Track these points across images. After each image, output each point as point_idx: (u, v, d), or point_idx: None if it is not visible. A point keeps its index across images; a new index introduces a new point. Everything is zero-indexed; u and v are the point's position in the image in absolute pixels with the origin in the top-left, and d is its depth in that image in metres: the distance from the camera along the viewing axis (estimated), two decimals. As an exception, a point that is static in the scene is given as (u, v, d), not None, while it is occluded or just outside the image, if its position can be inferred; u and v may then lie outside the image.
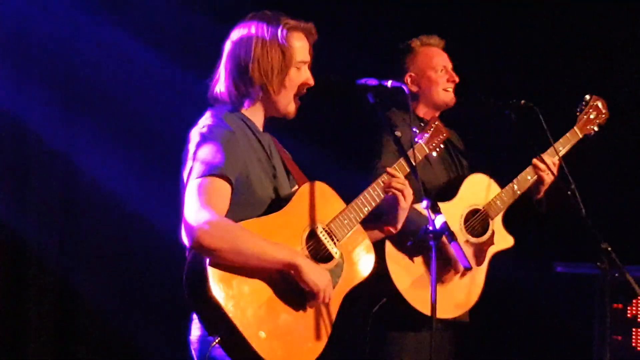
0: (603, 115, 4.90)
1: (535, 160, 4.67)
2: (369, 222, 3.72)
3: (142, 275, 5.50)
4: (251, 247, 3.30)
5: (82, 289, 5.37)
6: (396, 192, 3.69)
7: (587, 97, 4.91)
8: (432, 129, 3.98)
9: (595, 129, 4.88)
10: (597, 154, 4.91)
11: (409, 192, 3.70)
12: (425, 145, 3.96)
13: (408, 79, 4.76)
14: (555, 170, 4.66)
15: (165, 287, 5.30)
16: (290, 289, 3.39)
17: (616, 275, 4.34)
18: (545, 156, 4.67)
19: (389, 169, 3.73)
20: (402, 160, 3.77)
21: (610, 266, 4.33)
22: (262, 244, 3.34)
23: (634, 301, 5.53)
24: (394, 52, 4.86)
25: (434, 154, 4.03)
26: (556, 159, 4.67)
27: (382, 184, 3.72)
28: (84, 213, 5.40)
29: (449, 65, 4.80)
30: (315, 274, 3.38)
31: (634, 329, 5.56)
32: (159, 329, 5.42)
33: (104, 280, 5.43)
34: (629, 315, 5.55)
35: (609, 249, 4.31)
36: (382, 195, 3.72)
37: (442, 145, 4.04)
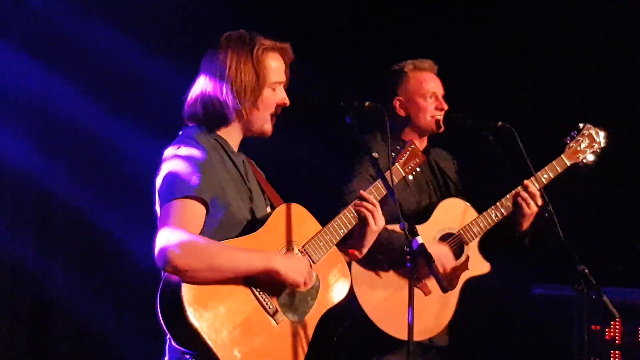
0: (597, 145, 4.81)
1: (519, 189, 4.62)
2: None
3: (115, 282, 5.58)
4: (226, 261, 3.30)
5: (55, 296, 5.45)
6: (367, 213, 3.67)
7: (581, 125, 4.83)
8: (408, 153, 3.98)
9: (589, 157, 4.78)
10: (574, 176, 4.90)
11: (379, 215, 3.69)
12: (402, 168, 3.96)
13: (397, 103, 4.73)
14: (538, 201, 4.60)
15: (138, 293, 5.33)
16: (266, 306, 3.39)
17: (593, 297, 4.34)
18: (530, 185, 4.62)
19: (361, 192, 3.71)
20: (378, 183, 3.76)
21: (587, 288, 4.33)
22: (236, 255, 3.34)
23: (612, 323, 5.54)
24: (384, 73, 4.82)
25: (410, 177, 4.03)
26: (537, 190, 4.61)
27: (355, 207, 3.70)
28: (57, 225, 5.51)
29: (440, 92, 4.75)
30: (293, 272, 3.40)
31: (612, 351, 5.57)
32: (134, 334, 5.45)
33: (77, 288, 5.47)
34: (607, 337, 5.56)
35: (586, 271, 4.31)
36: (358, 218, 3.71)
37: (418, 169, 4.03)
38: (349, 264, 3.76)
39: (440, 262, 4.44)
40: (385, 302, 4.42)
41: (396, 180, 3.92)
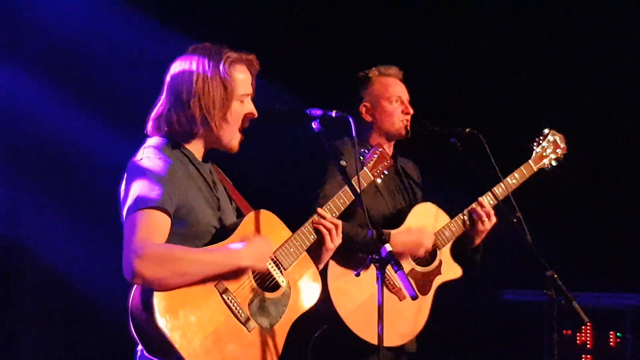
0: (560, 150, 4.91)
1: (474, 206, 4.66)
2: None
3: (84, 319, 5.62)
4: (194, 265, 3.28)
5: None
6: (324, 231, 3.67)
7: (546, 130, 4.92)
8: (376, 156, 3.99)
9: (553, 163, 4.88)
10: (542, 182, 4.93)
11: (336, 234, 3.68)
12: (370, 172, 3.97)
13: (363, 109, 4.75)
14: (492, 219, 4.64)
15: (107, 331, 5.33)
16: (238, 314, 3.38)
17: (562, 302, 4.37)
18: (485, 203, 4.65)
19: (318, 209, 3.71)
20: (346, 189, 3.77)
21: (556, 293, 4.36)
22: (204, 258, 3.32)
23: (583, 328, 5.58)
24: (350, 81, 4.84)
25: (379, 180, 4.03)
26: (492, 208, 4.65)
27: (313, 224, 3.69)
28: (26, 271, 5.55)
29: (405, 97, 4.78)
30: (259, 261, 3.41)
31: (583, 356, 5.61)
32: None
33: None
34: (578, 342, 5.59)
35: (555, 276, 4.34)
36: None
37: (386, 172, 4.04)
38: (327, 265, 3.76)
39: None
40: (361, 307, 4.41)
41: (365, 184, 3.93)
